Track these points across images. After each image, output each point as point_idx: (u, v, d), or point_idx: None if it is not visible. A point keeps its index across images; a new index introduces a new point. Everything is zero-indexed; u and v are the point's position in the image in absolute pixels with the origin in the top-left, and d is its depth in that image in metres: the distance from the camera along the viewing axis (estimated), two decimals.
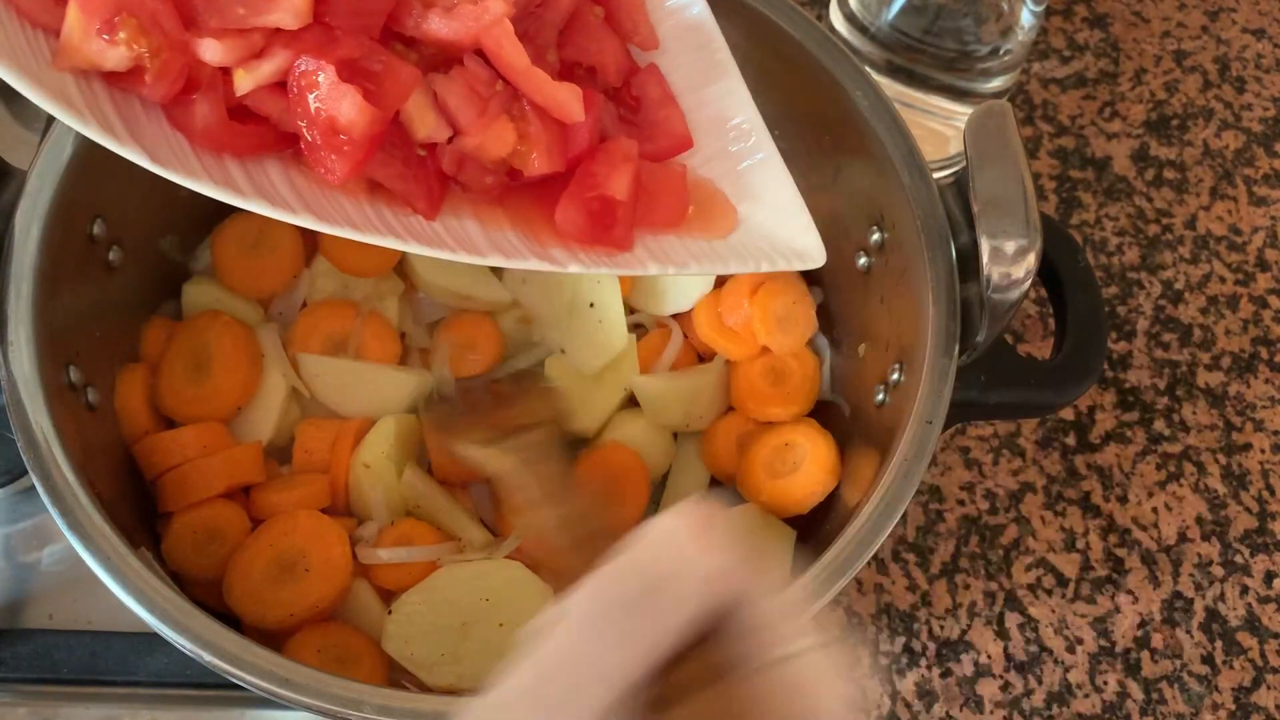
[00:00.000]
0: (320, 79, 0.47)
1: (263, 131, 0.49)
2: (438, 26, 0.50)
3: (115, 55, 0.45)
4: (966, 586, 0.74)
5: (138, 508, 0.61)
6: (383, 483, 0.64)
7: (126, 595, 0.49)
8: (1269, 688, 0.72)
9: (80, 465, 0.51)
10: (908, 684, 0.70)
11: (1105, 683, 0.72)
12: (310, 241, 0.69)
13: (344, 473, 0.64)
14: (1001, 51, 0.77)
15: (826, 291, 0.71)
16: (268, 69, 0.47)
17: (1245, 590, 0.75)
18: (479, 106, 0.50)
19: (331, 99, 0.47)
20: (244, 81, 0.47)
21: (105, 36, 0.45)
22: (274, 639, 0.58)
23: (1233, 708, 0.71)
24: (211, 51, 0.46)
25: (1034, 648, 0.72)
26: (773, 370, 0.69)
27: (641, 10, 0.58)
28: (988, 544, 0.75)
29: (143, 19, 0.45)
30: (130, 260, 0.62)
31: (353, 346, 0.67)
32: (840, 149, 0.65)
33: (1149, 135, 0.93)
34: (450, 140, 0.51)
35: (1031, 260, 0.53)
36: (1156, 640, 0.73)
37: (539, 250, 0.52)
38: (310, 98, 0.47)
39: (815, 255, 0.55)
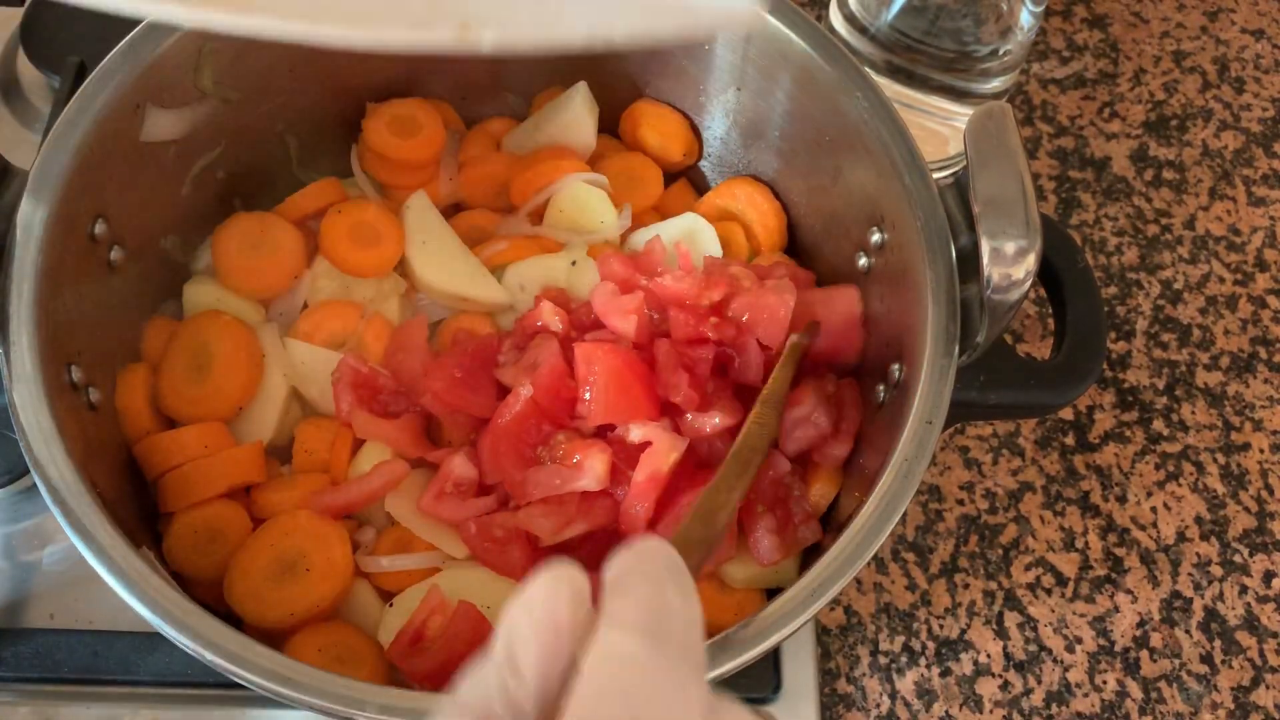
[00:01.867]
0: None
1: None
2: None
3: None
4: (966, 586, 0.74)
5: (139, 507, 0.61)
6: None
7: (128, 594, 0.49)
8: (1268, 687, 0.72)
9: (81, 465, 0.51)
10: (907, 683, 0.71)
11: (1104, 682, 0.72)
12: (311, 242, 0.70)
13: (344, 474, 0.64)
14: (1001, 52, 0.77)
15: None
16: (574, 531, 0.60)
17: (1244, 590, 0.75)
18: None
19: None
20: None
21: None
22: (275, 639, 0.58)
23: (1232, 707, 0.71)
24: (538, 525, 0.59)
25: (1033, 647, 0.72)
26: None
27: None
28: (987, 543, 0.75)
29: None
30: (131, 260, 0.62)
31: (352, 347, 0.67)
32: (840, 149, 0.65)
33: (1148, 136, 0.93)
34: None
35: (1031, 261, 0.53)
36: (1155, 640, 0.73)
37: None
38: None
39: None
